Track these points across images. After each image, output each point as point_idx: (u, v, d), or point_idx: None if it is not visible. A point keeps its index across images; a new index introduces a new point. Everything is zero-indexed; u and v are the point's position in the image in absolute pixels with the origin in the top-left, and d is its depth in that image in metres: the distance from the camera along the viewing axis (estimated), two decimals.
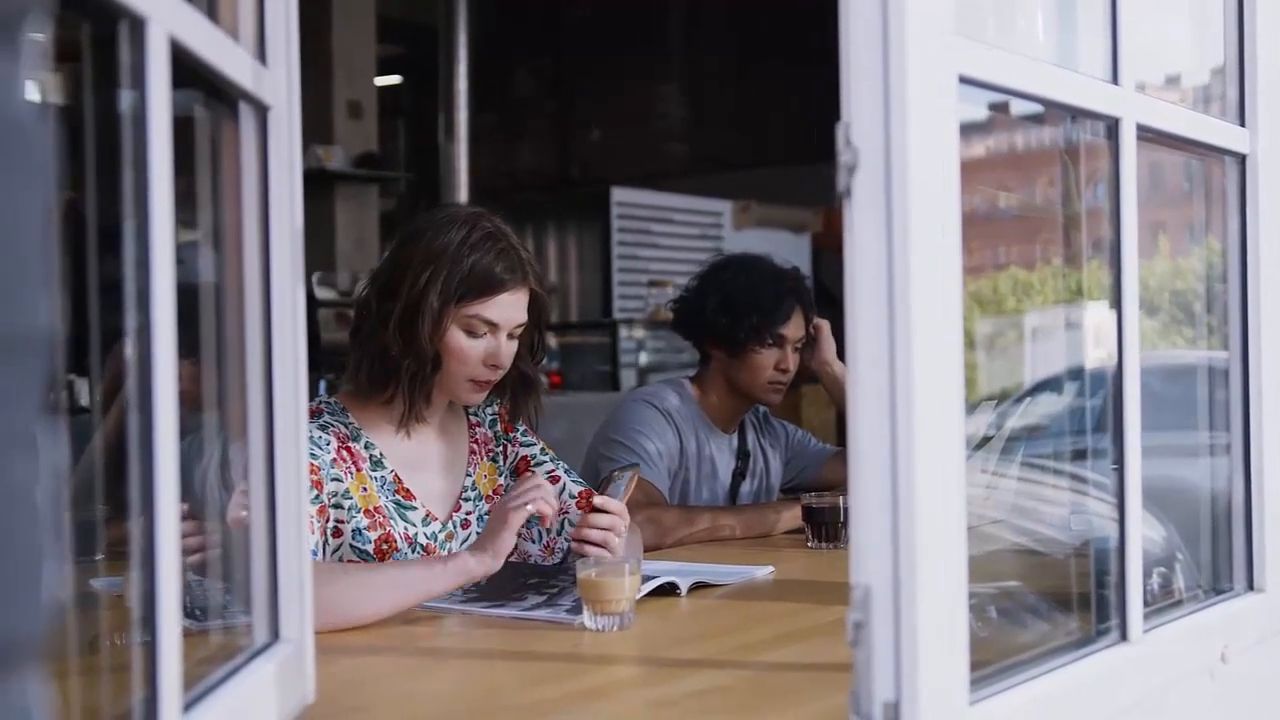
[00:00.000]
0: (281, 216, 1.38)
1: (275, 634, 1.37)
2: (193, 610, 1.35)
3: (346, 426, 2.22)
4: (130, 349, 1.02)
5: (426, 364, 2.18)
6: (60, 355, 0.63)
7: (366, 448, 2.23)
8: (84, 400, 2.40)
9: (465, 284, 2.17)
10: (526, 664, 1.72)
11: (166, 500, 1.02)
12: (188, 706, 1.09)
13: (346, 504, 2.15)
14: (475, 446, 2.39)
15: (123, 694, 1.09)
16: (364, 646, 1.83)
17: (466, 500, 2.34)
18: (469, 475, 2.35)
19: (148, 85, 1.01)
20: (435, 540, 2.26)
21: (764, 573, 2.35)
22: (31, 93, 0.60)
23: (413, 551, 2.21)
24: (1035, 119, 1.72)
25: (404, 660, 1.79)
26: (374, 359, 2.20)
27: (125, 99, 1.02)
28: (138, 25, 0.99)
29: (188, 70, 1.12)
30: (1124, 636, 1.51)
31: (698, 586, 2.18)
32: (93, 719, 1.16)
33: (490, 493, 2.37)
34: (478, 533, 2.30)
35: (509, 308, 2.21)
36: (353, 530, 2.16)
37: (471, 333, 2.19)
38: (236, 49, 1.26)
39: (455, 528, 2.30)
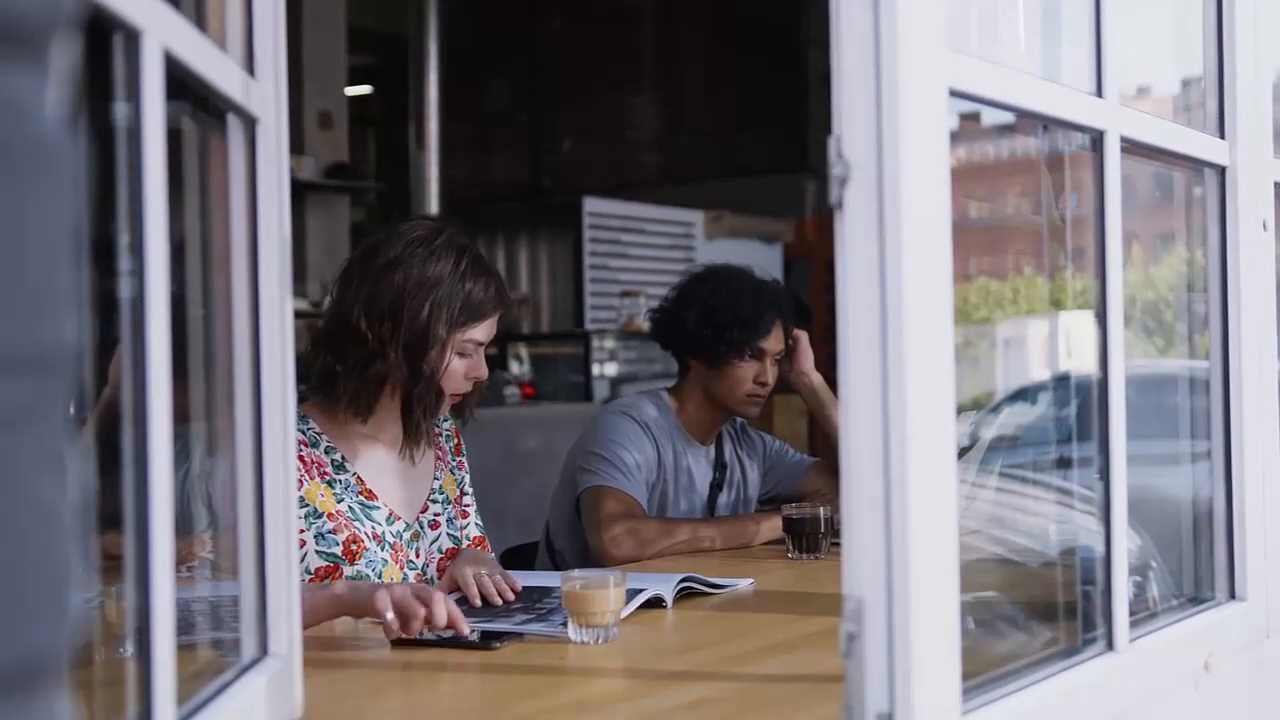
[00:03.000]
0: (270, 228, 1.37)
1: (264, 649, 1.36)
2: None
3: (304, 433, 2.26)
4: (124, 361, 1.01)
5: (433, 392, 2.27)
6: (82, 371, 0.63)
7: (327, 452, 2.28)
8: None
9: (465, 312, 2.27)
10: (513, 677, 1.72)
11: (160, 515, 1.01)
12: None
13: (303, 511, 2.19)
14: (440, 453, 2.47)
15: (113, 709, 1.09)
16: (351, 661, 1.82)
17: (435, 502, 2.41)
18: (436, 479, 2.43)
19: (142, 97, 1.00)
20: (401, 539, 2.32)
21: (745, 584, 2.35)
22: (58, 108, 0.59)
23: (381, 549, 2.26)
24: (1005, 129, 1.73)
25: (391, 675, 1.78)
26: (373, 384, 2.25)
27: (119, 110, 1.01)
28: (133, 37, 0.99)
29: (177, 82, 1.11)
30: (1110, 646, 1.52)
31: (684, 594, 2.19)
32: None
33: (453, 499, 2.46)
34: (447, 534, 2.40)
35: (493, 326, 2.34)
36: (316, 535, 2.20)
37: (462, 354, 2.30)
38: (227, 61, 1.26)
39: (424, 528, 2.37)
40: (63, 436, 0.59)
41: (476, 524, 2.51)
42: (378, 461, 2.34)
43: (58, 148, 0.59)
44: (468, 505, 2.51)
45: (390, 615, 1.81)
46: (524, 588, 2.21)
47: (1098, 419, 1.55)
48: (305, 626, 1.90)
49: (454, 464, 2.50)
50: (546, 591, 2.19)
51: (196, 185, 1.36)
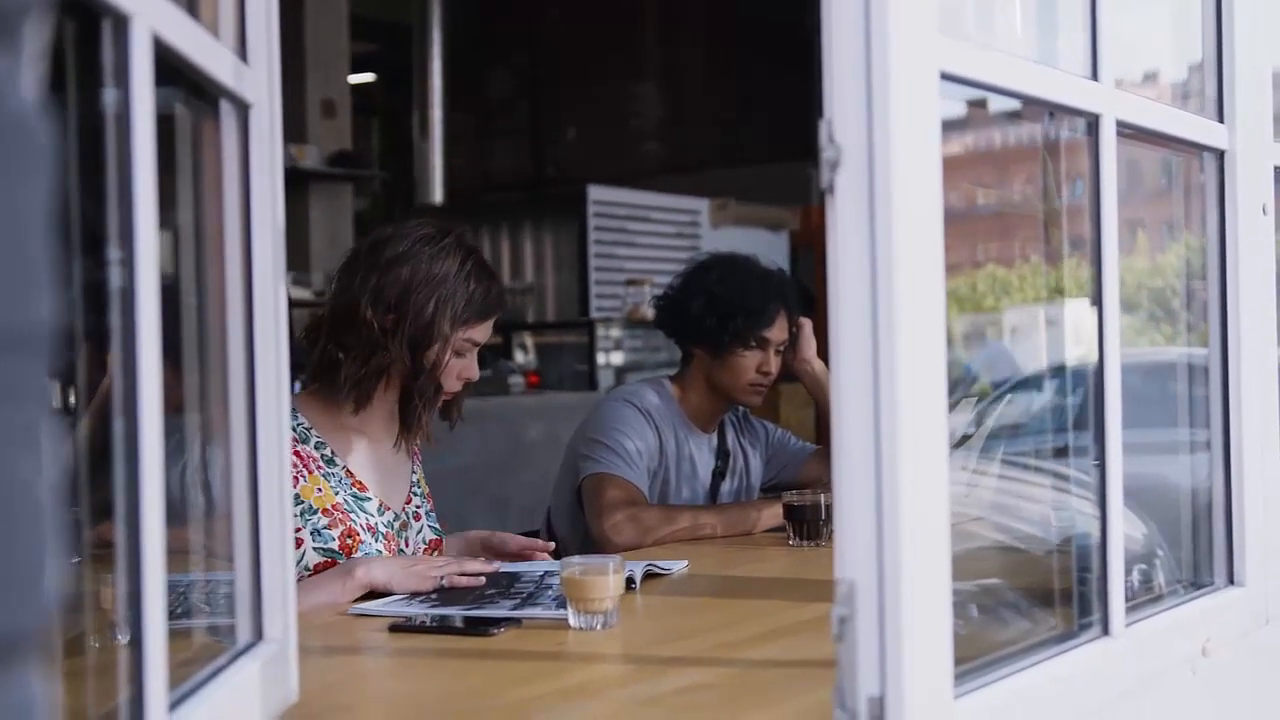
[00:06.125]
0: (263, 215, 1.37)
1: (259, 633, 1.37)
2: (173, 610, 1.34)
3: (295, 429, 2.28)
4: (113, 350, 1.01)
5: (433, 385, 2.30)
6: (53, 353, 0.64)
7: (317, 447, 2.31)
8: (56, 403, 2.40)
9: (468, 310, 2.30)
10: (510, 663, 1.72)
11: (151, 501, 1.01)
12: (173, 706, 1.09)
13: (299, 509, 2.21)
14: (416, 449, 2.50)
15: (106, 695, 1.09)
16: (347, 646, 1.83)
17: (416, 495, 2.46)
18: (414, 473, 2.48)
19: (131, 83, 1.00)
20: (392, 529, 2.35)
21: (679, 566, 2.38)
22: (31, 90, 0.60)
23: (375, 540, 2.29)
24: (1013, 115, 1.72)
25: (388, 660, 1.78)
26: (374, 375, 2.28)
27: (108, 97, 1.01)
28: (121, 23, 0.99)
29: (169, 68, 1.11)
30: (1106, 630, 1.52)
31: (649, 576, 2.24)
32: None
33: (427, 493, 2.51)
34: (429, 526, 2.45)
35: (490, 329, 2.38)
36: (312, 532, 2.23)
37: (459, 353, 2.33)
38: (218, 46, 1.25)
39: (409, 518, 2.42)
40: (40, 415, 0.60)
41: (433, 526, 2.53)
42: (364, 454, 2.37)
43: (31, 130, 0.59)
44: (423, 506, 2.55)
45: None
46: (497, 574, 2.22)
47: (1093, 404, 1.55)
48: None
49: (422, 462, 2.55)
50: (516, 577, 2.20)
51: (190, 172, 1.36)
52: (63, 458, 0.62)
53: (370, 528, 2.29)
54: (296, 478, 2.22)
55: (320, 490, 2.26)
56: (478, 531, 2.54)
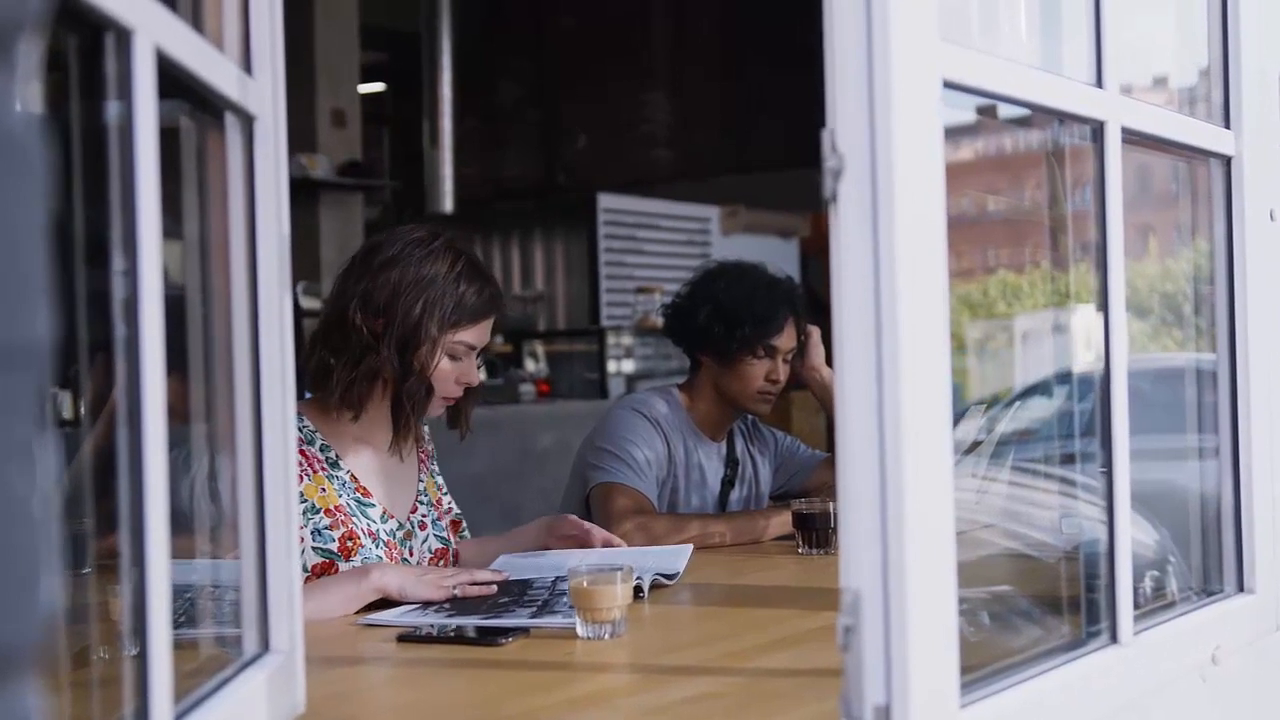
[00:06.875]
0: (268, 227, 1.37)
1: (265, 645, 1.37)
2: (179, 620, 1.34)
3: (301, 431, 2.29)
4: (118, 361, 1.01)
5: (422, 387, 2.29)
6: (51, 367, 0.64)
7: (322, 450, 2.31)
8: (66, 413, 2.41)
9: (457, 312, 2.29)
10: (519, 673, 1.72)
11: (156, 512, 1.01)
12: (178, 717, 1.09)
13: (301, 507, 2.21)
14: (423, 457, 2.51)
15: (113, 706, 1.09)
16: (354, 657, 1.83)
17: (422, 503, 2.45)
18: (420, 481, 2.47)
19: (134, 96, 1.01)
20: (395, 538, 2.35)
21: (685, 551, 2.42)
22: (27, 104, 0.60)
23: (375, 546, 2.29)
24: (1022, 122, 1.72)
25: (395, 671, 1.78)
26: (365, 379, 2.28)
27: (111, 109, 1.02)
28: (124, 36, 0.99)
29: (173, 80, 1.12)
30: (1114, 638, 1.52)
31: (656, 586, 2.23)
32: None
33: (435, 501, 2.50)
34: (434, 535, 2.45)
35: (487, 332, 2.37)
36: (313, 532, 2.23)
37: (453, 356, 2.32)
38: (222, 59, 1.26)
39: (414, 528, 2.41)
40: (33, 429, 0.60)
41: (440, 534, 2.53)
42: (368, 462, 2.37)
43: (26, 145, 0.59)
44: (450, 502, 2.55)
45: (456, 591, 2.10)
46: (509, 582, 2.22)
47: (1100, 410, 1.54)
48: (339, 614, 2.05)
49: (433, 469, 2.54)
50: (528, 584, 2.20)
51: (195, 184, 1.36)
52: (60, 473, 0.62)
53: (371, 533, 2.29)
54: (300, 476, 2.22)
55: (324, 490, 2.27)
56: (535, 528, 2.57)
